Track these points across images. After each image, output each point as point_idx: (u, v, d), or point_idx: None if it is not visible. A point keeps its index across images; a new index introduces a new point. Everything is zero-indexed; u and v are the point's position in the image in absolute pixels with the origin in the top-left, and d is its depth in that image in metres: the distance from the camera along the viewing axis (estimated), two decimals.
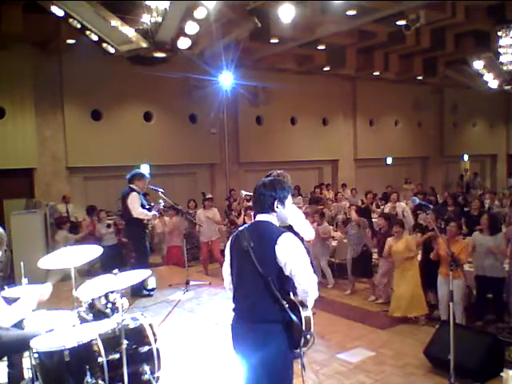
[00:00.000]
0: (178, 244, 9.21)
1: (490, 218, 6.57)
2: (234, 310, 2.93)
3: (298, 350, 2.79)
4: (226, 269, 3.02)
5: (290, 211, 4.10)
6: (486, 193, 13.91)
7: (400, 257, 6.71)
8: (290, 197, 3.02)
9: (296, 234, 4.05)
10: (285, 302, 2.71)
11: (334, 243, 9.63)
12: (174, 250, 9.27)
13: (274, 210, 2.91)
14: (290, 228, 4.04)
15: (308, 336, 2.74)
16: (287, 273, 2.73)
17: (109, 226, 10.01)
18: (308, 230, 4.11)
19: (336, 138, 17.21)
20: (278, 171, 4.41)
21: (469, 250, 6.39)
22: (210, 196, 11.70)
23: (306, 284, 2.72)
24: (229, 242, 3.02)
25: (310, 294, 2.73)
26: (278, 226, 2.92)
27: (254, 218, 3.00)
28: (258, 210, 2.94)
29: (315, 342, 2.87)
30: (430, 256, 6.51)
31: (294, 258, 2.72)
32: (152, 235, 11.65)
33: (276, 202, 2.90)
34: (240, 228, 3.01)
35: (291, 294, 2.80)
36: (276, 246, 2.72)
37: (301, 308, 2.74)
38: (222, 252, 9.47)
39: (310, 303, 2.77)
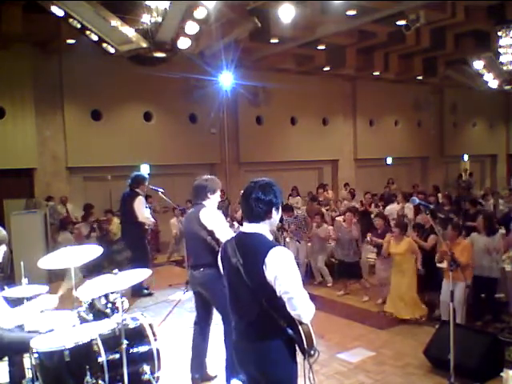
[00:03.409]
0: None
1: (485, 219, 6.53)
2: (233, 328, 2.79)
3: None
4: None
5: (213, 217, 4.12)
6: (487, 193, 13.90)
7: (400, 258, 6.65)
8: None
9: (216, 239, 4.10)
10: (282, 321, 2.55)
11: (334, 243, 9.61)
12: None
13: (269, 218, 2.66)
14: (211, 233, 4.06)
15: (312, 352, 2.64)
16: (278, 294, 2.52)
17: (93, 229, 10.03)
18: (229, 236, 4.08)
19: (336, 138, 17.21)
20: (208, 176, 4.46)
21: (470, 251, 6.35)
22: None
23: (299, 308, 2.52)
24: (219, 253, 2.86)
25: (304, 319, 2.57)
26: (268, 235, 2.68)
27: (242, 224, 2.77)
28: (250, 218, 2.66)
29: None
30: (435, 259, 6.47)
31: (282, 278, 2.49)
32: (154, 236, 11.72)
33: (274, 209, 2.66)
34: (228, 239, 2.83)
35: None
36: (264, 267, 2.49)
37: (299, 324, 2.60)
38: None
39: (307, 321, 2.61)
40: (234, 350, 2.82)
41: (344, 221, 8.24)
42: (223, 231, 4.09)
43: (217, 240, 4.11)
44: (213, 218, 4.16)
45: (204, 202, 4.31)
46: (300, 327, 2.60)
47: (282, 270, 2.50)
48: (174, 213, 10.75)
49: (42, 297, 3.77)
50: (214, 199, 4.41)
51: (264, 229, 2.66)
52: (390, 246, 6.81)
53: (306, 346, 2.60)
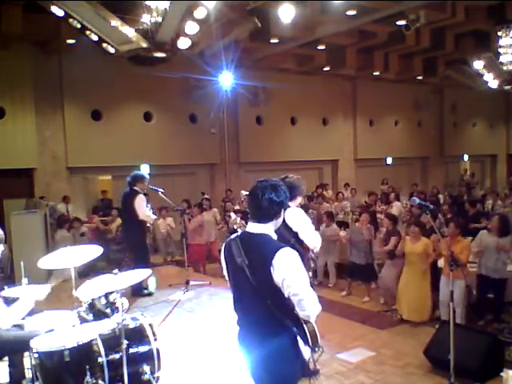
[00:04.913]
0: (200, 242, 9.40)
1: (500, 220, 6.53)
2: (237, 323, 2.80)
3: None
4: (226, 274, 2.86)
5: (299, 218, 4.04)
6: (488, 193, 13.89)
7: (415, 258, 6.57)
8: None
9: (300, 241, 3.98)
10: (288, 321, 2.57)
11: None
12: (195, 247, 9.32)
13: (277, 219, 2.65)
14: (295, 235, 3.99)
15: (316, 349, 2.67)
16: (286, 295, 2.53)
17: (83, 234, 9.99)
18: (314, 238, 4.03)
19: (336, 138, 17.21)
20: (297, 176, 4.29)
21: (470, 250, 6.36)
22: (207, 196, 11.71)
23: (308, 309, 2.54)
24: (222, 251, 2.83)
25: (312, 317, 2.59)
26: (273, 235, 2.67)
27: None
28: (260, 218, 2.62)
29: None
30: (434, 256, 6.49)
31: (290, 279, 2.49)
32: (154, 236, 11.72)
33: (283, 210, 2.65)
34: (232, 236, 2.77)
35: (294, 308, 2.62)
36: (271, 268, 2.48)
37: (304, 323, 2.62)
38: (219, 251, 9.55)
39: (313, 320, 2.64)
40: (238, 347, 2.82)
41: (357, 221, 8.22)
42: (308, 233, 3.98)
43: (301, 242, 3.99)
44: (299, 218, 4.03)
45: (290, 203, 4.12)
46: (305, 326, 2.61)
47: (291, 272, 2.49)
48: (160, 213, 10.64)
49: (33, 287, 3.77)
50: (299, 201, 4.29)
51: (270, 229, 2.64)
52: (405, 246, 6.73)
53: (310, 344, 2.62)
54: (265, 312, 2.56)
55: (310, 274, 7.30)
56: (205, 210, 9.92)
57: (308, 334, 2.62)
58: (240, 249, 2.62)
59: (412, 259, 6.58)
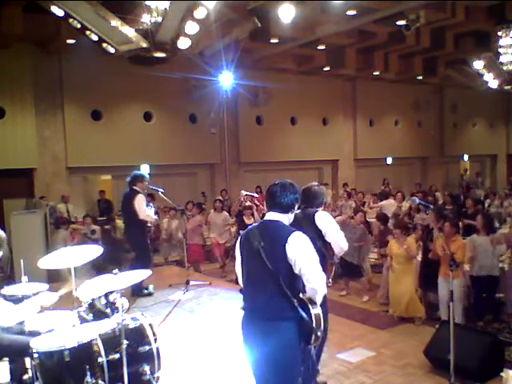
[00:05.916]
0: (198, 242, 9.49)
1: (484, 218, 6.54)
2: (244, 308, 2.99)
3: (309, 346, 2.89)
4: (239, 267, 3.09)
5: (329, 219, 4.14)
6: (489, 193, 13.89)
7: (402, 258, 6.65)
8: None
9: (327, 244, 4.04)
10: (295, 301, 2.79)
11: None
12: (194, 247, 9.35)
13: (292, 212, 3.02)
14: (322, 238, 4.03)
15: (318, 333, 2.82)
16: (296, 271, 2.80)
17: (93, 232, 9.95)
18: (341, 240, 4.07)
19: (336, 138, 17.22)
20: (316, 184, 4.41)
21: (465, 250, 6.37)
22: (220, 198, 11.69)
23: (315, 282, 2.80)
24: (238, 241, 3.09)
25: (318, 293, 2.82)
26: (288, 225, 2.98)
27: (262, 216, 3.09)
28: (279, 209, 2.99)
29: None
30: (429, 256, 6.50)
31: (303, 256, 2.79)
32: (156, 236, 11.70)
33: (296, 205, 3.05)
34: (249, 227, 3.07)
35: (301, 292, 2.88)
36: (286, 245, 2.79)
37: (310, 305, 2.82)
38: (226, 252, 9.57)
39: (319, 300, 2.86)
40: (242, 332, 2.97)
41: (352, 218, 8.23)
42: (336, 234, 4.03)
43: (327, 246, 4.03)
44: (328, 220, 4.10)
45: (319, 209, 4.22)
46: (310, 307, 2.82)
47: (303, 250, 2.81)
48: (168, 214, 10.62)
49: (41, 294, 3.77)
50: (321, 209, 4.33)
51: (285, 219, 2.99)
52: (392, 248, 6.79)
53: (314, 326, 2.79)
54: (274, 292, 2.78)
55: (330, 279, 7.37)
56: (204, 211, 9.93)
57: (313, 316, 2.79)
58: (257, 234, 2.92)
59: (399, 260, 6.65)
